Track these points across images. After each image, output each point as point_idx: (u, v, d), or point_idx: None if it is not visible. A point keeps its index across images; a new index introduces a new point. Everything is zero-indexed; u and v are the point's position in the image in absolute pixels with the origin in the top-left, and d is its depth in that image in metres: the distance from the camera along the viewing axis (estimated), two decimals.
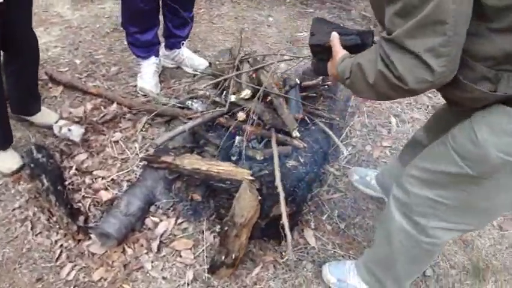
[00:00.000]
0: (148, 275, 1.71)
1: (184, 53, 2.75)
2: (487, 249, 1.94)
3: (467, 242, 1.96)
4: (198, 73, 2.55)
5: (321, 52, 1.36)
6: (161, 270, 1.73)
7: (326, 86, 2.25)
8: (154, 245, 1.79)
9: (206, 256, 1.78)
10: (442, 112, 1.58)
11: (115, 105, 2.41)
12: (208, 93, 2.19)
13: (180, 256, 1.78)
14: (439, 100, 2.74)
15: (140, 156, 2.13)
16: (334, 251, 1.86)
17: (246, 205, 1.60)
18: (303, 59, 2.33)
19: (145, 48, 2.47)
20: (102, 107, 2.41)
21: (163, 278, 1.71)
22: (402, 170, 1.84)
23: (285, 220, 1.56)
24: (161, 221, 1.88)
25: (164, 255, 1.77)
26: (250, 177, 1.73)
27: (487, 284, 1.80)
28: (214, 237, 1.85)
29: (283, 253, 1.83)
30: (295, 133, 1.91)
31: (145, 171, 1.98)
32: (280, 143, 1.94)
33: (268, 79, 1.96)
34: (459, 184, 1.18)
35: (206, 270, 1.73)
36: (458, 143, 1.12)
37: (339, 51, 1.24)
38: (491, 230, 2.04)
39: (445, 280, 1.81)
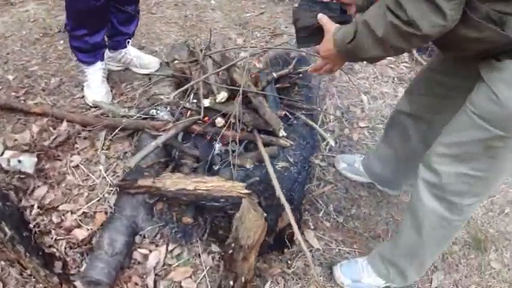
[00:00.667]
0: None
1: (131, 52, 2.46)
2: (481, 218, 1.97)
3: None
4: (154, 74, 2.30)
5: (310, 35, 1.31)
6: None
7: (299, 74, 2.12)
8: (150, 280, 1.60)
9: (210, 281, 1.63)
10: (429, 73, 1.51)
11: (65, 123, 2.10)
12: (174, 99, 1.98)
13: (181, 287, 1.61)
14: (402, 70, 2.73)
15: (109, 180, 1.89)
16: (339, 249, 1.79)
17: (251, 225, 1.45)
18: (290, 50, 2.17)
19: (91, 53, 2.16)
20: (51, 128, 2.09)
21: None
22: (389, 151, 1.80)
23: (298, 234, 1.44)
24: (150, 251, 1.68)
25: None
26: (246, 191, 1.58)
27: (489, 254, 1.83)
28: (213, 259, 1.70)
29: (288, 262, 1.72)
30: (282, 132, 1.78)
31: (121, 199, 1.75)
32: (265, 145, 1.80)
33: (244, 77, 1.79)
34: (490, 150, 1.15)
35: None
36: (479, 108, 1.11)
37: (332, 26, 1.21)
38: None
39: (451, 258, 1.81)
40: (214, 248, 1.73)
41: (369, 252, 1.69)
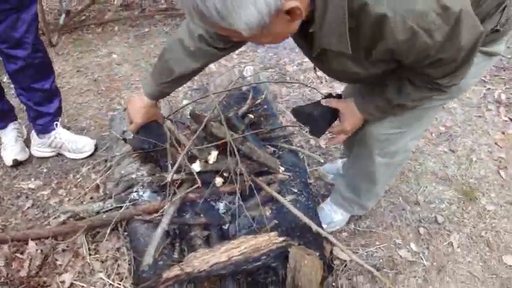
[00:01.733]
0: None
1: (62, 135, 2.23)
2: (459, 174, 2.21)
3: (443, 177, 2.19)
4: (115, 155, 2.10)
5: (325, 121, 1.48)
6: None
7: (258, 105, 2.12)
8: None
9: None
10: None
11: (31, 243, 1.83)
12: (149, 174, 1.85)
13: None
14: None
15: (122, 286, 1.70)
16: (366, 252, 1.86)
17: (309, 270, 1.45)
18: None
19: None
20: (18, 255, 1.80)
21: None
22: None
23: (351, 255, 1.47)
24: None
25: None
26: (282, 239, 1.56)
27: (480, 201, 2.07)
28: None
29: (333, 284, 1.74)
30: (282, 168, 1.78)
31: None
32: (267, 185, 1.79)
33: (225, 128, 1.73)
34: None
35: None
36: None
37: (345, 104, 1.40)
38: (448, 154, 2.32)
39: (455, 217, 2.01)
40: None
41: (391, 242, 1.82)
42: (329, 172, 2.14)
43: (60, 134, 2.22)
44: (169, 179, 1.59)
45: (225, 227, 1.75)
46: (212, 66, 2.98)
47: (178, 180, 1.75)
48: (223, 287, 1.61)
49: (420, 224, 1.99)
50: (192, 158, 1.76)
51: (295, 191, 1.82)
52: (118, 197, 1.84)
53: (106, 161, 2.11)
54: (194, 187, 1.67)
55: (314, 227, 1.58)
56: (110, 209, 1.84)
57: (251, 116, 1.90)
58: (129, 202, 1.80)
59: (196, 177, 1.67)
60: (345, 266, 1.80)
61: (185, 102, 2.39)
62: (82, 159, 2.26)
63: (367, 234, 1.94)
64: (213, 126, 1.78)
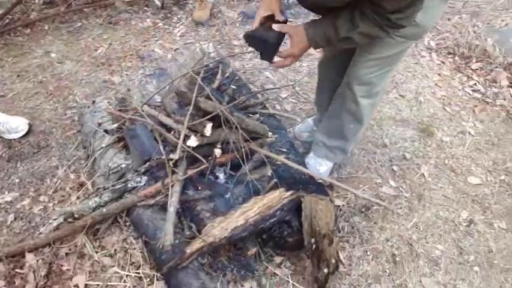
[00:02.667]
0: None
1: None
2: (412, 116, 2.47)
3: (400, 120, 2.44)
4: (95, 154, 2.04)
5: (273, 48, 1.54)
6: None
7: (228, 79, 2.18)
8: None
9: (301, 285, 1.70)
10: None
11: (30, 256, 1.75)
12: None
13: None
14: None
15: (140, 273, 1.70)
16: (363, 190, 2.05)
17: (324, 214, 1.58)
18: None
19: None
20: (18, 270, 1.72)
21: None
22: (327, 95, 2.06)
23: (364, 196, 1.63)
24: None
25: None
26: (291, 192, 1.67)
27: (436, 134, 2.35)
28: (287, 268, 1.75)
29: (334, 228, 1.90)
30: (271, 134, 1.88)
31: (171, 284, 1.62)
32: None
33: (214, 102, 1.78)
34: (400, 55, 1.61)
35: None
36: (402, 32, 1.43)
37: (296, 29, 1.46)
38: (399, 99, 2.57)
39: (420, 152, 2.26)
40: (278, 259, 1.78)
41: (372, 183, 2.02)
42: (303, 131, 2.28)
43: None
44: (177, 156, 1.61)
45: (227, 195, 1.82)
46: (158, 51, 2.96)
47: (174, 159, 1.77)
48: (243, 249, 1.70)
49: (392, 163, 2.22)
50: (185, 137, 1.79)
51: (285, 150, 1.93)
52: (113, 189, 1.82)
53: (88, 157, 2.04)
54: (203, 166, 1.71)
55: (317, 176, 1.72)
56: (107, 202, 1.81)
57: (233, 87, 1.95)
58: (128, 190, 1.80)
59: (200, 157, 1.71)
60: (340, 210, 1.97)
61: (150, 88, 2.37)
62: (20, 137, 2.26)
63: (350, 180, 2.12)
64: (200, 101, 1.82)
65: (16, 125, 2.26)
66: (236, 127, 1.75)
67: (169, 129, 1.85)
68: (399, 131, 2.40)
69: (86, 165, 2.04)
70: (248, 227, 1.61)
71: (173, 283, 1.59)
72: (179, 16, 3.41)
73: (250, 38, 1.55)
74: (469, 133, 2.40)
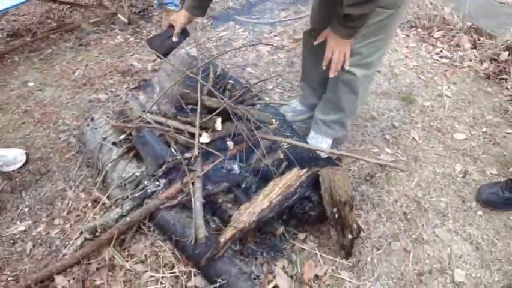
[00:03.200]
0: None
1: None
2: (392, 86, 2.63)
3: (382, 93, 2.60)
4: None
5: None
6: None
7: (219, 77, 2.26)
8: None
9: (328, 255, 1.80)
10: None
11: (59, 278, 1.75)
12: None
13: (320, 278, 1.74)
14: None
15: (177, 273, 1.74)
16: (357, 167, 2.17)
17: (341, 183, 1.69)
18: None
19: None
20: None
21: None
22: (313, 70, 2.18)
23: (368, 159, 1.75)
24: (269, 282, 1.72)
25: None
26: (305, 169, 1.77)
27: (417, 101, 2.52)
28: (312, 242, 1.85)
29: None
30: (274, 121, 1.97)
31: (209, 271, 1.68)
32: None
33: (218, 99, 1.86)
34: (383, 23, 1.74)
35: (344, 258, 1.78)
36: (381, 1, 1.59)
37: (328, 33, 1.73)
38: (376, 74, 2.73)
39: (406, 119, 2.42)
40: (302, 235, 1.87)
41: (370, 153, 2.16)
42: (287, 111, 2.37)
43: None
44: (196, 152, 1.67)
45: (243, 185, 1.90)
46: (137, 64, 3.00)
47: (190, 157, 1.83)
48: (271, 230, 1.78)
49: (384, 133, 2.37)
50: (193, 135, 1.86)
51: (288, 134, 2.03)
52: (133, 197, 1.86)
53: (98, 172, 2.06)
54: (219, 160, 1.78)
55: (327, 150, 1.82)
56: (129, 211, 1.85)
57: (231, 81, 2.04)
58: (148, 196, 1.84)
59: (210, 149, 1.78)
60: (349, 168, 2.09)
61: (141, 99, 2.40)
62: (17, 169, 2.24)
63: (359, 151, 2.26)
64: (204, 99, 1.89)
65: (13, 157, 2.26)
66: (247, 119, 1.84)
67: (178, 131, 1.91)
68: (383, 103, 2.56)
69: (97, 181, 2.05)
70: (274, 207, 1.69)
71: (212, 273, 1.65)
72: (147, 29, 3.45)
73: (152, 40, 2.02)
74: (446, 95, 2.60)
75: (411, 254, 1.83)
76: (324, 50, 1.83)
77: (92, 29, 3.40)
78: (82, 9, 3.63)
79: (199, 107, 1.79)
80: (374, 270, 1.78)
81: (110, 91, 2.75)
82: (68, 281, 1.77)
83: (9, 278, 1.83)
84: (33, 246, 1.94)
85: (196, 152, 1.71)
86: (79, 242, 1.86)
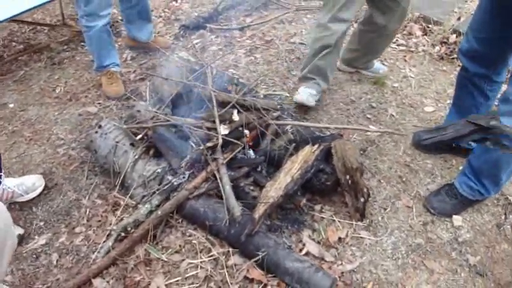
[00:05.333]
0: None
1: (9, 184, 2.12)
2: (362, 74, 2.94)
3: (355, 80, 2.89)
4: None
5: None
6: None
7: (217, 76, 2.42)
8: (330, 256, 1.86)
9: (346, 220, 2.01)
10: None
11: (96, 281, 1.80)
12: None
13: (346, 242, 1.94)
14: None
15: (221, 258, 1.86)
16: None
17: (352, 152, 1.91)
18: None
19: None
20: None
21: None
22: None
23: (373, 129, 1.99)
24: (304, 245, 1.89)
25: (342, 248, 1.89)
26: (317, 145, 1.98)
27: (387, 83, 2.84)
28: (328, 211, 2.05)
29: None
30: (278, 106, 2.17)
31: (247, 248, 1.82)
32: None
33: (232, 93, 2.02)
34: None
35: (360, 220, 2.00)
36: None
37: None
38: None
39: (381, 100, 2.72)
40: (317, 207, 2.06)
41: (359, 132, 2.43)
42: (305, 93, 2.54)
43: (6, 184, 2.09)
44: (220, 140, 1.81)
45: (259, 168, 2.06)
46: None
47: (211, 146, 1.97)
48: (294, 201, 1.96)
49: (365, 113, 2.64)
50: (210, 129, 2.00)
51: (290, 118, 2.23)
52: (161, 191, 1.95)
53: (119, 173, 2.10)
54: (239, 148, 1.93)
55: (332, 126, 2.04)
56: (158, 206, 1.94)
57: (236, 77, 2.20)
58: (175, 188, 1.94)
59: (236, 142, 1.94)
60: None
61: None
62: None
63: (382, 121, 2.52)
64: (217, 95, 2.05)
65: (31, 183, 2.18)
66: (256, 108, 2.01)
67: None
68: (358, 87, 2.84)
69: (117, 183, 2.11)
70: (297, 180, 1.88)
71: (251, 249, 1.79)
72: (118, 43, 3.49)
73: None
74: (410, 76, 2.94)
75: (414, 209, 2.09)
76: None
77: (62, 47, 3.39)
78: (46, 30, 3.60)
79: (214, 102, 1.94)
80: (387, 226, 2.01)
81: (99, 103, 2.79)
82: (108, 281, 1.82)
83: None
84: (59, 256, 1.95)
85: (220, 140, 1.85)
86: (110, 243, 1.91)
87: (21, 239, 2.01)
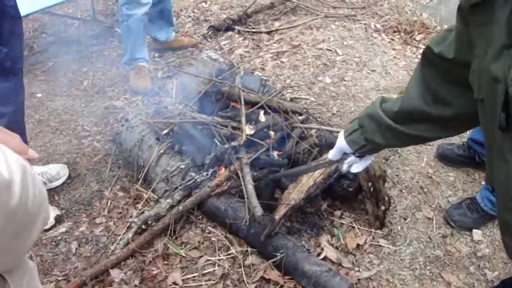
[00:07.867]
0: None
1: (35, 170, 2.16)
2: (387, 82, 2.92)
3: (382, 89, 2.88)
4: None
5: None
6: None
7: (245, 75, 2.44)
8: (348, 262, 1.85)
9: (366, 226, 2.00)
10: None
11: (113, 272, 1.82)
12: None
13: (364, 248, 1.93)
14: None
15: (236, 254, 1.87)
16: None
17: (375, 158, 1.90)
18: None
19: None
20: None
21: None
22: None
23: None
24: (323, 249, 1.88)
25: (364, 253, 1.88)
26: None
27: None
28: (348, 217, 2.04)
29: None
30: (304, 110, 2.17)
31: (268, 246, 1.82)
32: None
33: (259, 95, 2.03)
34: None
35: (379, 228, 1.98)
36: None
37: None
38: (372, 74, 3.02)
39: None
40: (338, 213, 2.05)
41: None
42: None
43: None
44: (244, 138, 1.83)
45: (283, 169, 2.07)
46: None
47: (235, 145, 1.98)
48: (315, 205, 1.96)
49: None
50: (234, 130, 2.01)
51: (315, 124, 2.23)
52: (184, 187, 1.97)
53: (143, 167, 2.12)
54: (264, 149, 1.95)
55: None
56: (179, 201, 1.96)
57: (264, 77, 2.22)
58: (197, 185, 1.96)
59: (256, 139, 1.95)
60: None
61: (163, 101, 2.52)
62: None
63: None
64: (245, 95, 2.06)
65: (56, 172, 2.22)
66: (284, 110, 2.03)
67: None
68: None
69: (140, 177, 2.14)
70: (319, 185, 1.88)
71: (270, 249, 1.79)
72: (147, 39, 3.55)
73: None
74: None
75: (434, 221, 2.07)
76: None
77: (92, 42, 3.46)
78: (76, 24, 3.68)
79: (242, 102, 1.96)
80: (406, 236, 1.99)
81: (125, 98, 2.83)
82: (125, 273, 1.84)
83: (60, 278, 1.87)
84: (79, 245, 1.98)
85: (244, 138, 1.87)
86: (130, 235, 1.93)
87: (59, 221, 2.06)
